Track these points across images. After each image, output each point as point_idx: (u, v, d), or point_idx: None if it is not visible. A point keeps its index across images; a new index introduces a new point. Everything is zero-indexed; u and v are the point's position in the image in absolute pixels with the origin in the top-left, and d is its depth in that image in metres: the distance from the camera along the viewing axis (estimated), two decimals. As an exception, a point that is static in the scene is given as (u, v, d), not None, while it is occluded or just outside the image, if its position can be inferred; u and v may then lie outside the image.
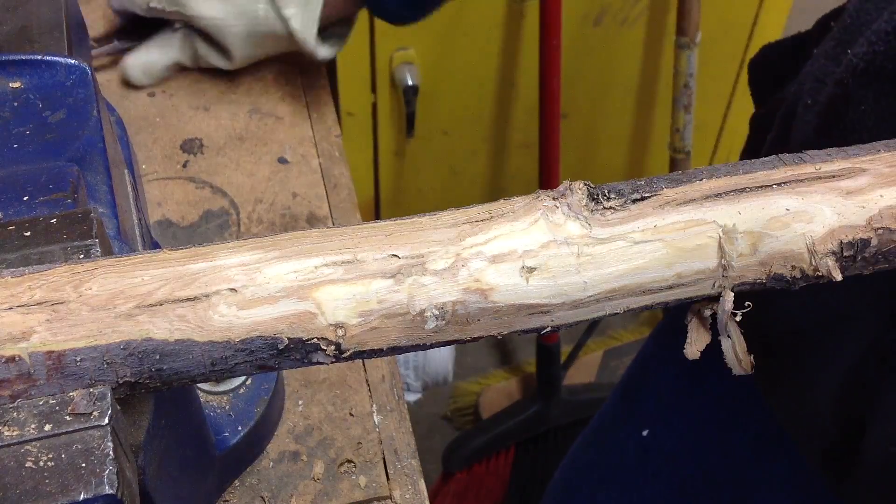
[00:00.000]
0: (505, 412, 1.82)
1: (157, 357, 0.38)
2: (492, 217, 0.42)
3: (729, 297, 0.43)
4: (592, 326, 1.90)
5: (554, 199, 0.43)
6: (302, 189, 0.90)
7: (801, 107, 0.63)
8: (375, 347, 0.41)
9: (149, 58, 0.95)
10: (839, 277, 0.42)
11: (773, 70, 0.75)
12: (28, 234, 0.43)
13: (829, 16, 0.69)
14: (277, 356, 0.40)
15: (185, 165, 0.91)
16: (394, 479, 0.70)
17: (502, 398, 1.98)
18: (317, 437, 0.71)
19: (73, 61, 0.58)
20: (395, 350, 0.41)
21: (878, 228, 0.42)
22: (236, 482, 0.68)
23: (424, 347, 0.42)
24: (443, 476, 1.80)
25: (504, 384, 2.03)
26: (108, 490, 0.35)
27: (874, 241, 0.42)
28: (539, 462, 1.85)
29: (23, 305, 0.38)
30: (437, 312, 0.40)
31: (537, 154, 1.65)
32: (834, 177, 0.43)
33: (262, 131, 0.95)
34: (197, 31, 0.93)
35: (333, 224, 0.72)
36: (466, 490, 1.81)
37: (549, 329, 0.42)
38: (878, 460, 0.56)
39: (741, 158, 0.77)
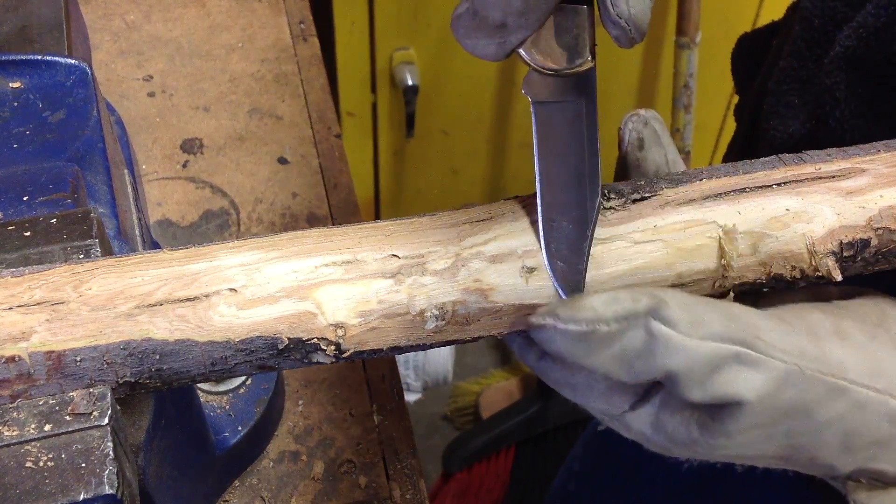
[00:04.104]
0: (505, 412, 1.82)
1: (157, 357, 0.38)
2: (491, 217, 0.42)
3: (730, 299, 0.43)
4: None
5: (554, 199, 0.43)
6: (302, 189, 0.90)
7: (780, 105, 0.64)
8: (375, 347, 0.41)
9: None
10: (839, 277, 0.42)
11: (751, 58, 0.76)
12: (28, 234, 0.43)
13: (794, 5, 0.70)
14: (277, 356, 0.40)
15: (185, 165, 0.91)
16: (394, 479, 0.70)
17: (502, 398, 1.98)
18: (317, 437, 0.71)
19: (73, 61, 0.58)
20: (395, 350, 0.41)
21: (878, 228, 0.42)
22: (236, 482, 0.68)
23: (424, 347, 0.42)
24: (443, 476, 1.80)
25: (504, 384, 2.02)
26: (108, 490, 0.35)
27: (874, 242, 0.42)
28: (539, 462, 1.85)
29: (23, 305, 0.38)
30: (437, 312, 0.40)
31: (537, 154, 1.64)
32: (834, 177, 0.43)
33: (262, 131, 0.95)
34: None
35: (333, 224, 0.72)
36: (466, 490, 1.81)
37: (549, 329, 0.42)
38: None
39: (728, 150, 0.78)
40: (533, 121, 0.40)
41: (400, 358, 1.90)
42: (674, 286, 0.42)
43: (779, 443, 0.39)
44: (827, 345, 0.39)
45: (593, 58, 0.39)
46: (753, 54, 0.75)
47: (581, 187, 0.41)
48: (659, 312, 0.37)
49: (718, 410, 0.39)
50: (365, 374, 0.76)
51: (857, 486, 0.41)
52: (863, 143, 0.46)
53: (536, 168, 0.41)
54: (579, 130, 0.40)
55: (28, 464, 0.36)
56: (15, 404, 0.37)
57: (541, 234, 0.41)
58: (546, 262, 0.41)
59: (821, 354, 0.39)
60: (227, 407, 0.66)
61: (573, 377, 0.41)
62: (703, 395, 0.38)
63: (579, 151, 0.40)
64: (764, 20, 1.74)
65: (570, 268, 0.41)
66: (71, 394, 0.38)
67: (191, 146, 0.93)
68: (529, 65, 0.39)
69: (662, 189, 0.43)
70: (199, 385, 0.65)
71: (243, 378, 0.67)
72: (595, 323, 0.37)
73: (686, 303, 0.38)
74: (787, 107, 0.63)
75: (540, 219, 0.41)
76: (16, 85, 0.56)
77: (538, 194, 0.41)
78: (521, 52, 0.38)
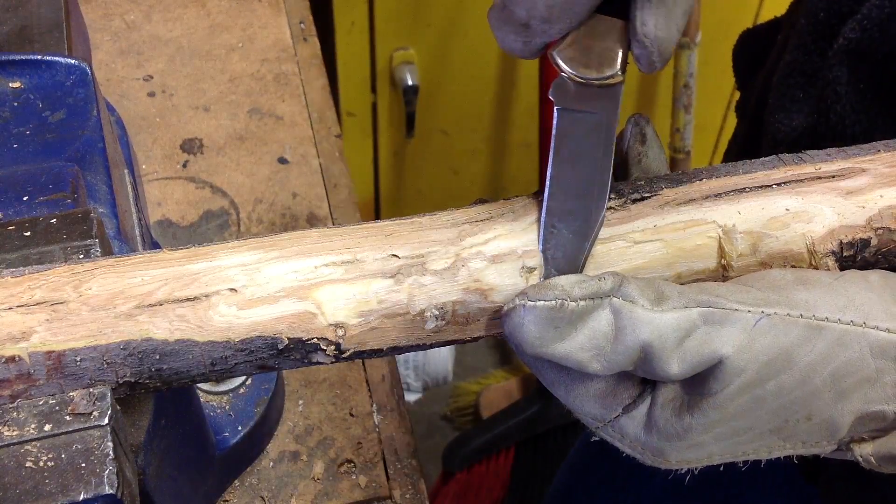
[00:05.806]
0: (505, 412, 1.82)
1: (157, 357, 0.38)
2: (492, 217, 0.42)
3: None
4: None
5: (554, 199, 0.43)
6: (302, 189, 0.90)
7: (785, 99, 0.64)
8: (375, 347, 0.41)
9: None
10: (839, 277, 0.42)
11: (753, 54, 0.76)
12: (28, 234, 0.43)
13: (797, 2, 0.70)
14: (277, 356, 0.40)
15: (185, 165, 0.91)
16: (394, 479, 0.70)
17: (502, 398, 1.98)
18: (317, 437, 0.71)
19: (73, 61, 0.58)
20: (395, 350, 0.41)
21: (878, 228, 0.42)
22: (236, 482, 0.68)
23: (424, 347, 0.42)
24: (443, 476, 1.80)
25: (504, 384, 2.02)
26: (108, 490, 0.35)
27: (874, 241, 0.42)
28: (539, 462, 1.85)
29: (23, 305, 0.38)
30: (437, 312, 0.40)
31: (537, 154, 1.64)
32: (834, 177, 0.43)
33: (262, 131, 0.95)
34: None
35: (333, 224, 0.72)
36: (466, 490, 1.81)
37: (549, 329, 0.42)
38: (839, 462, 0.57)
39: (729, 147, 0.78)
40: (554, 126, 0.40)
41: (400, 358, 1.90)
42: (674, 286, 0.42)
43: (771, 405, 0.39)
44: (790, 292, 0.39)
45: (624, 73, 0.39)
46: (755, 50, 0.76)
47: (588, 199, 0.41)
48: (621, 290, 0.38)
49: (703, 381, 0.39)
50: (365, 374, 0.76)
51: (860, 443, 0.41)
52: (863, 138, 0.46)
53: (549, 173, 0.41)
54: (597, 143, 0.40)
55: (28, 464, 0.36)
56: (15, 404, 0.37)
57: (540, 238, 0.41)
58: (542, 266, 0.41)
59: (786, 300, 0.39)
60: (227, 407, 0.66)
61: (568, 375, 0.41)
62: (683, 364, 0.38)
63: (593, 164, 0.41)
64: (764, 20, 1.74)
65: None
66: (71, 394, 0.38)
67: (191, 146, 0.93)
68: (561, 70, 0.39)
69: (662, 189, 0.43)
70: (199, 385, 0.65)
71: (243, 378, 0.67)
72: (562, 298, 0.37)
73: (647, 281, 0.39)
74: (792, 101, 0.63)
75: (542, 223, 0.41)
76: (16, 85, 0.56)
77: (545, 199, 0.41)
78: (555, 56, 0.38)
